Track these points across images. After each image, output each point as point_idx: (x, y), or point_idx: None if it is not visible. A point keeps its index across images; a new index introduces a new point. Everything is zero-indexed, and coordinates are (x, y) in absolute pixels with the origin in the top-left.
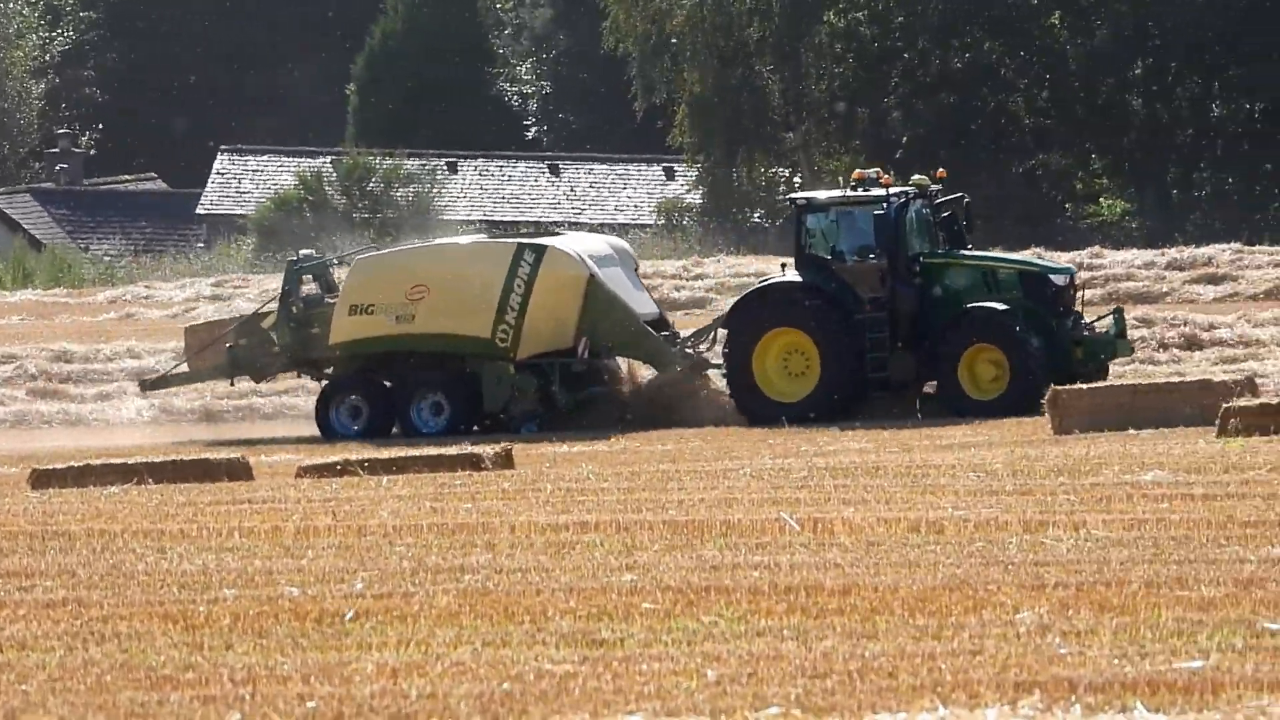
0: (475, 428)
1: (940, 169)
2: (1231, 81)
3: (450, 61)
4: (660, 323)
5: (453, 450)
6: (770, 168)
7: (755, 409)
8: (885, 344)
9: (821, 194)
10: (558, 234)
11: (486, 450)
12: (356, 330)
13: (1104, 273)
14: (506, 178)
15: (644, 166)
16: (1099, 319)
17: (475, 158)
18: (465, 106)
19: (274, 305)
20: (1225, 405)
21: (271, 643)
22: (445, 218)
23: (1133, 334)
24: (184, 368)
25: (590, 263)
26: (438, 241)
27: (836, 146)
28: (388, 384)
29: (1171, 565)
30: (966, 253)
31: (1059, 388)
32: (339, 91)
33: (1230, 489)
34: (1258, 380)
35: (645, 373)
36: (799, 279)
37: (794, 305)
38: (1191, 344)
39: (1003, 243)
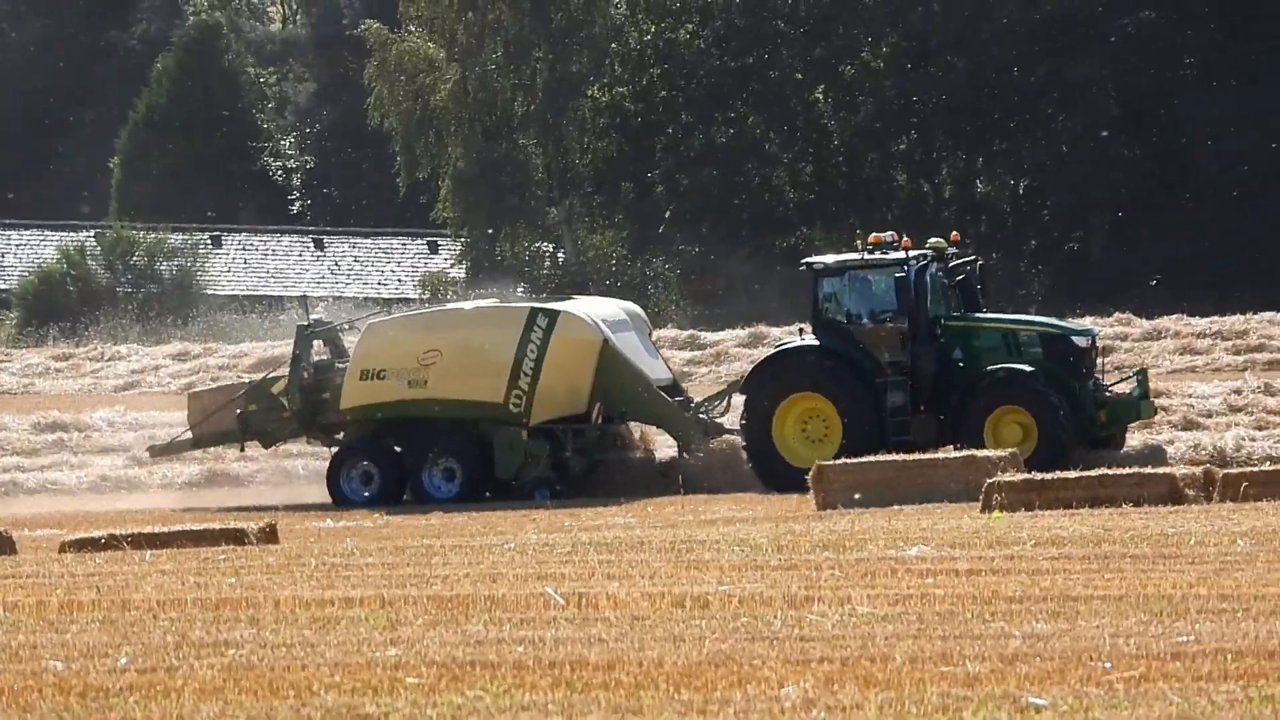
0: (487, 494)
1: (954, 232)
2: (995, 158)
3: (215, 135)
4: (674, 388)
5: (216, 525)
6: (533, 242)
7: (774, 475)
8: (907, 407)
9: (839, 257)
10: (571, 298)
11: (250, 525)
12: (368, 395)
13: None
14: (271, 251)
15: (408, 240)
16: (1120, 381)
17: (239, 231)
18: (230, 180)
19: (284, 370)
20: (989, 480)
21: (35, 717)
22: (210, 292)
23: None
24: (187, 434)
25: (604, 328)
26: (450, 306)
27: (599, 220)
28: (399, 450)
29: (936, 640)
30: (987, 315)
31: (822, 463)
32: (103, 164)
33: (995, 564)
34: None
35: (658, 439)
36: (816, 343)
37: (813, 369)
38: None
39: (768, 318)
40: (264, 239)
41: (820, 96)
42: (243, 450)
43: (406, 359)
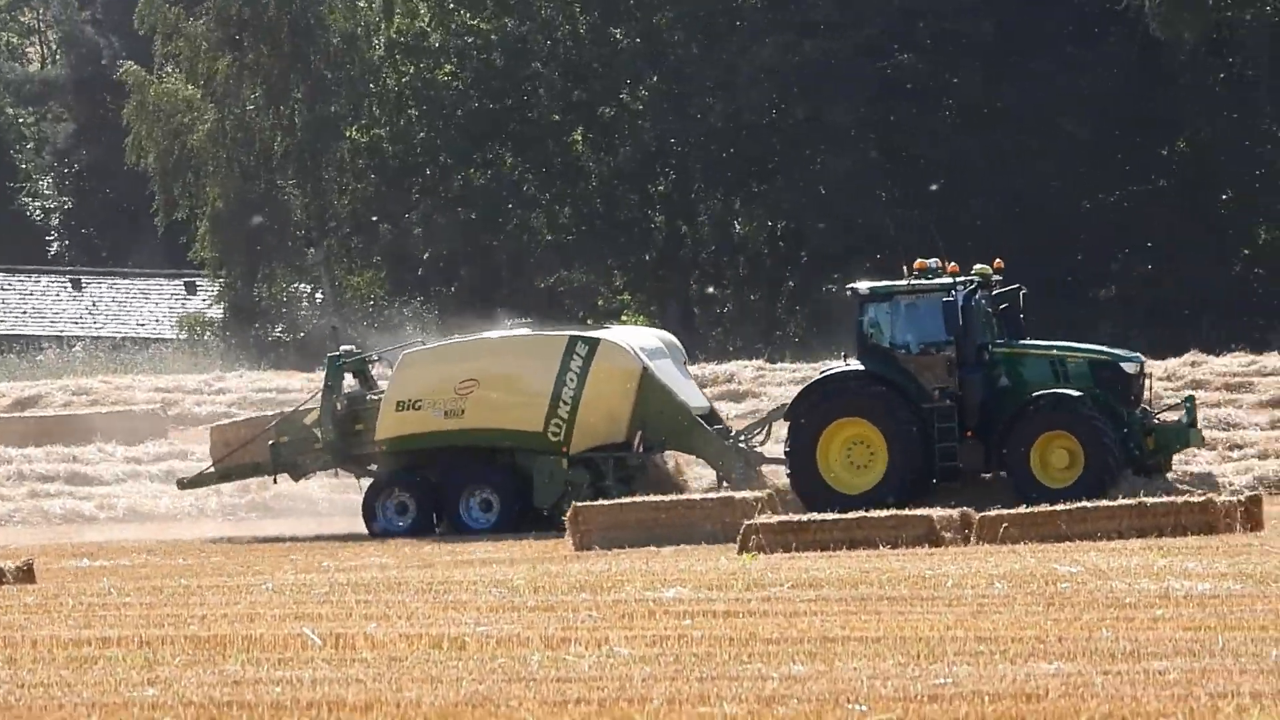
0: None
1: (997, 260)
2: (754, 199)
3: None
4: (711, 416)
5: None
6: (291, 283)
7: (819, 501)
8: (954, 433)
9: (884, 283)
10: (607, 328)
11: (7, 564)
12: (404, 426)
13: None
14: (29, 291)
15: (165, 281)
16: (1168, 408)
17: None
18: None
19: (316, 402)
20: (746, 522)
21: None
22: None
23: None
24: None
25: (643, 356)
26: (487, 335)
27: (357, 262)
28: (435, 480)
29: (694, 682)
30: (1034, 341)
31: (579, 504)
32: None
33: (752, 605)
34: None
35: (693, 468)
36: (862, 368)
37: (859, 396)
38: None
39: None
40: (21, 279)
41: (578, 138)
42: (275, 481)
43: (443, 389)
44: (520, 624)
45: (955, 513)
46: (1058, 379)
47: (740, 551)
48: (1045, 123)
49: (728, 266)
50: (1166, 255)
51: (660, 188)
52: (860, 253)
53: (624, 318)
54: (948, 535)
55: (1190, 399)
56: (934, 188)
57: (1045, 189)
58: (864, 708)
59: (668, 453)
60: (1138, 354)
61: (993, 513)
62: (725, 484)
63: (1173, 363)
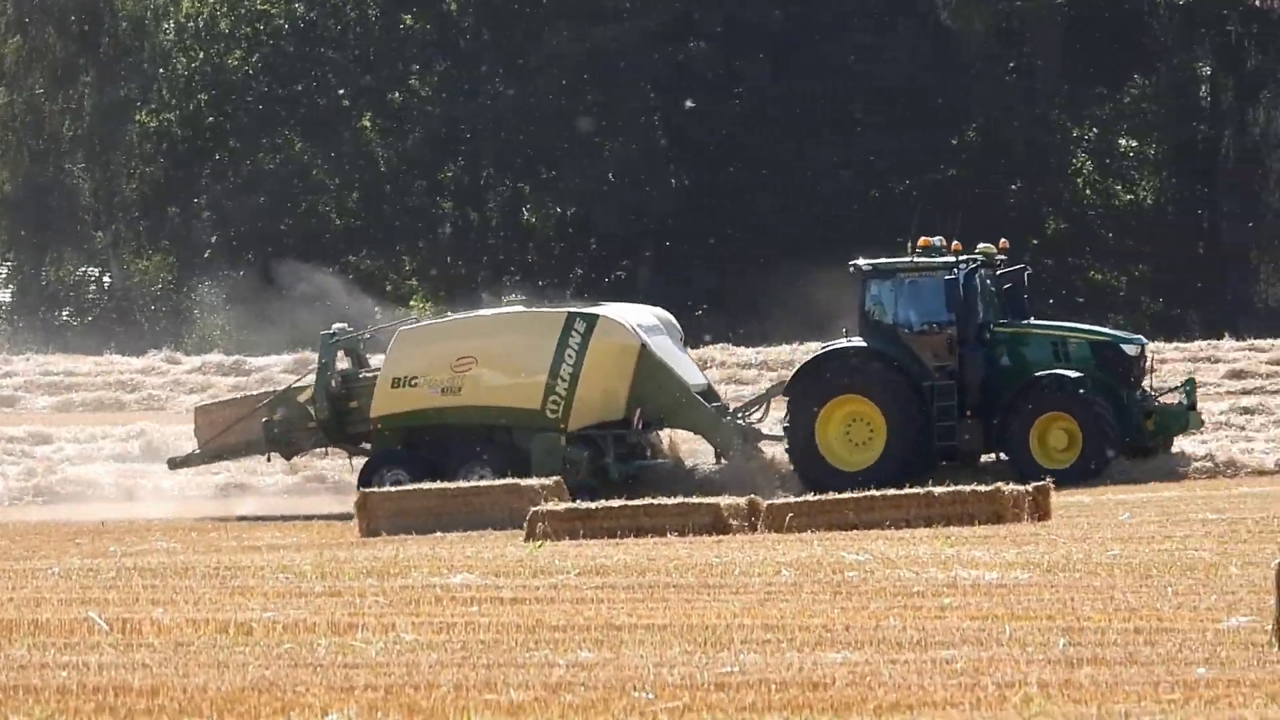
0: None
1: (1003, 240)
2: (543, 186)
3: None
4: (709, 393)
5: None
6: (79, 266)
7: (818, 478)
8: (954, 412)
9: (887, 260)
10: (601, 304)
11: None
12: (399, 403)
13: None
14: None
15: None
16: (1168, 390)
17: None
18: None
19: (309, 379)
20: (534, 509)
21: None
22: None
23: None
24: (209, 444)
25: (641, 332)
26: (484, 312)
27: (145, 246)
28: (431, 457)
29: (480, 669)
30: (1036, 321)
31: (367, 490)
32: None
33: (539, 593)
34: None
35: (688, 444)
36: (864, 344)
37: (859, 372)
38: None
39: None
40: None
41: (368, 123)
42: (268, 460)
43: (440, 366)
44: (307, 610)
45: (743, 500)
46: (1058, 360)
47: (527, 539)
48: (836, 111)
49: (517, 253)
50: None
51: (450, 174)
52: (649, 238)
53: (412, 304)
54: (735, 523)
55: (1190, 381)
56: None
57: (835, 177)
58: (650, 695)
59: (664, 430)
60: (1139, 336)
61: (779, 501)
62: (724, 460)
63: None
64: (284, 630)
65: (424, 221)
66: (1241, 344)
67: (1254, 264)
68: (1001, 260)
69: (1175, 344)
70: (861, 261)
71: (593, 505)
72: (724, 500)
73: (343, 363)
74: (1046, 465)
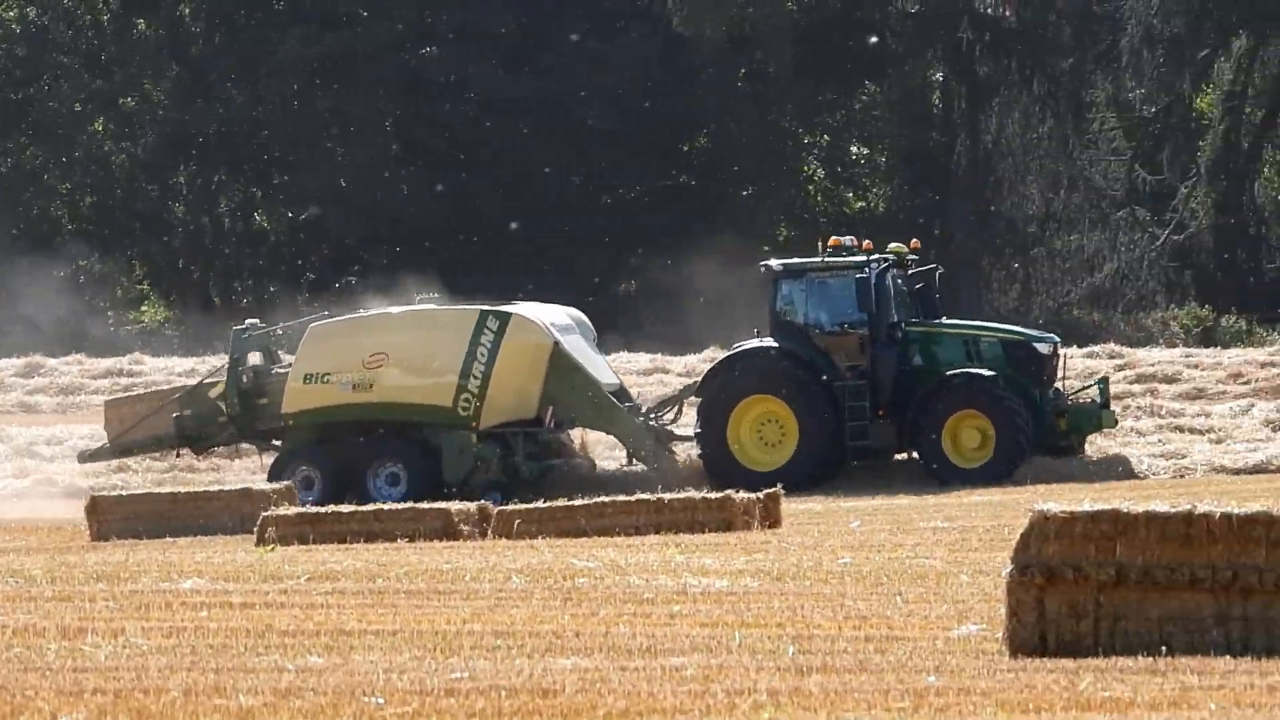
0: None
1: (914, 239)
2: (275, 190)
3: None
4: (622, 393)
5: None
6: None
7: (729, 479)
8: (866, 412)
9: (798, 260)
10: (513, 303)
11: None
12: (311, 399)
13: (143, 379)
14: None
15: None
16: (1082, 389)
17: None
18: None
19: (220, 376)
20: (264, 514)
21: None
22: None
23: None
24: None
25: (554, 331)
26: (397, 309)
27: None
28: (342, 454)
29: (210, 673)
30: (948, 320)
31: (96, 494)
32: None
33: (269, 597)
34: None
35: (601, 446)
36: (774, 344)
37: (770, 372)
38: (232, 452)
39: (43, 347)
40: None
41: (100, 128)
42: (177, 455)
43: (352, 362)
44: (37, 614)
45: (473, 506)
46: (971, 359)
47: (258, 543)
48: (566, 116)
49: (249, 257)
50: (687, 252)
51: (182, 178)
52: (380, 243)
53: (144, 308)
54: (466, 529)
55: (1104, 380)
56: (440, 187)
57: (567, 183)
58: (380, 701)
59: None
60: (1052, 334)
61: (509, 507)
62: (636, 461)
63: (691, 359)
64: (13, 634)
65: (156, 225)
66: None
67: (985, 272)
68: (913, 260)
69: None
70: (773, 262)
71: (323, 510)
72: (454, 506)
73: (254, 359)
74: (960, 464)
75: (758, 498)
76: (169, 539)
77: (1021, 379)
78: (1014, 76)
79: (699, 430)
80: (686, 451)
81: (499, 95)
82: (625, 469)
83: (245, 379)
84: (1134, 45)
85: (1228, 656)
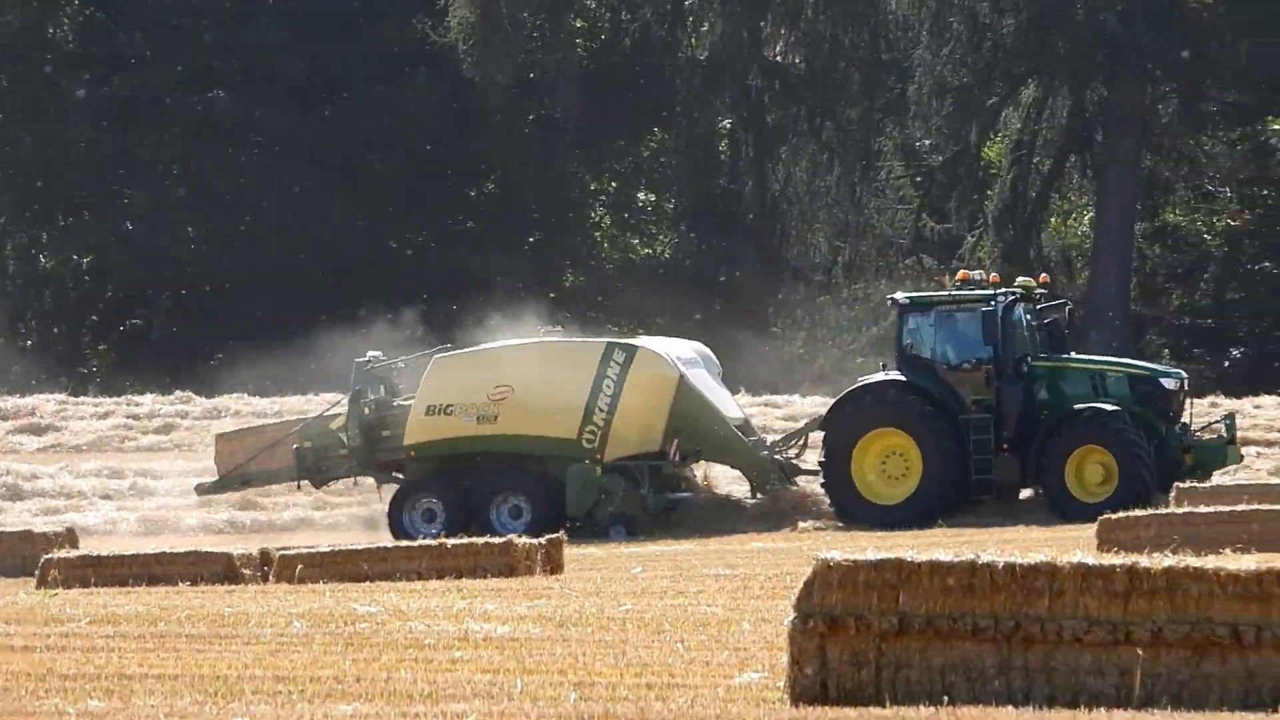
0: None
1: (1044, 274)
2: (61, 233)
3: None
4: (746, 427)
5: None
6: None
7: (853, 512)
8: (990, 446)
9: (926, 294)
10: (640, 336)
11: None
12: (434, 431)
13: None
14: None
15: None
16: (1209, 425)
17: None
18: None
19: (342, 408)
20: (46, 556)
21: None
22: None
23: None
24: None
25: (680, 364)
26: (522, 341)
27: None
28: (465, 486)
29: None
30: (1074, 355)
31: None
32: None
33: (50, 641)
34: (78, 531)
35: (724, 479)
36: (901, 378)
37: (896, 406)
38: (14, 494)
39: None
40: None
41: None
42: (299, 488)
43: (476, 394)
44: None
45: (254, 550)
46: (1097, 394)
47: (39, 586)
48: (353, 161)
49: (34, 300)
50: (475, 298)
51: None
52: (166, 287)
53: None
54: (248, 573)
55: (1230, 416)
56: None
57: (352, 227)
58: None
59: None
60: (1179, 370)
61: (291, 551)
62: (759, 494)
63: None
64: None
65: None
66: (758, 399)
67: (772, 320)
68: (1041, 294)
69: None
70: (899, 295)
71: (105, 554)
72: (236, 549)
73: (376, 391)
74: (1084, 499)
75: (540, 543)
76: None
77: (1147, 414)
78: (802, 124)
79: (823, 462)
80: (810, 485)
81: (285, 139)
82: (750, 502)
83: (367, 410)
84: (922, 94)
85: (1010, 706)
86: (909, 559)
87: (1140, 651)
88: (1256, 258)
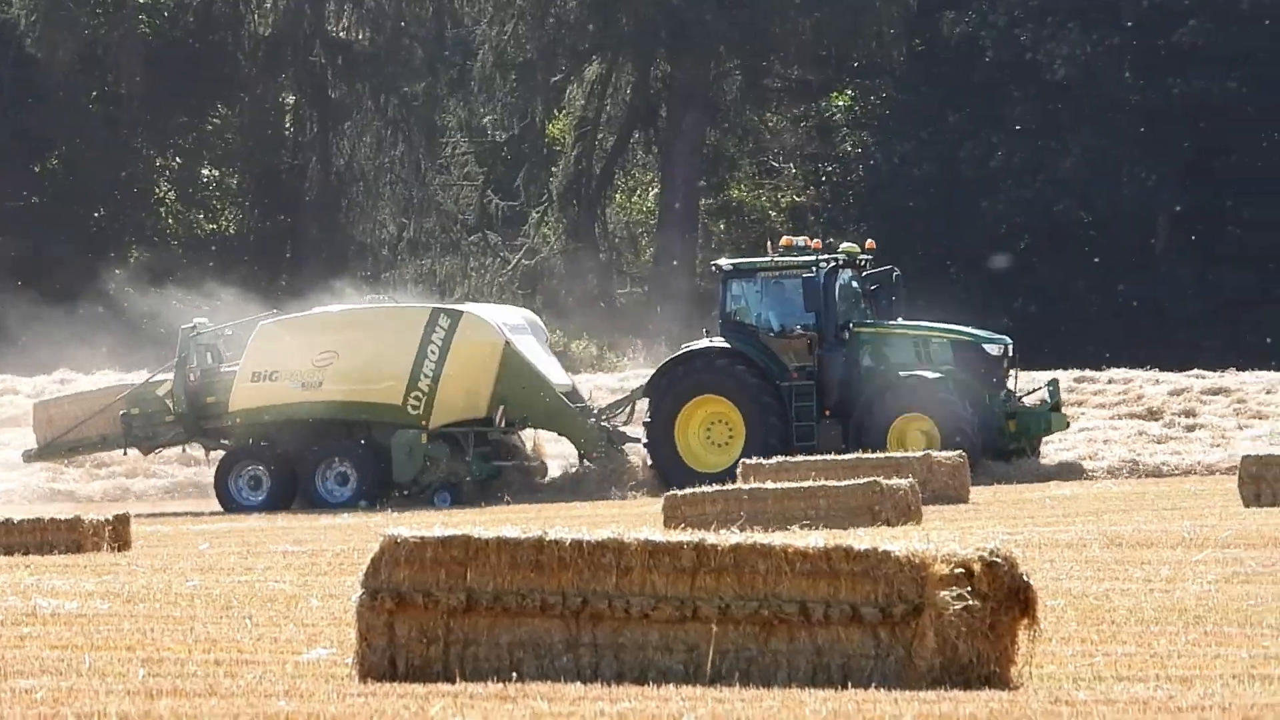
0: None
1: (870, 240)
2: None
3: None
4: (574, 394)
5: None
6: None
7: (677, 479)
8: (812, 412)
9: (748, 260)
10: (465, 303)
11: None
12: (259, 398)
13: None
14: None
15: None
16: (1031, 391)
17: None
18: None
19: (167, 374)
20: None
21: None
22: None
23: None
24: (65, 437)
25: (506, 330)
26: (347, 306)
27: None
28: (291, 453)
29: None
30: (898, 321)
31: None
32: None
33: None
34: None
35: (554, 446)
36: (724, 344)
37: (718, 372)
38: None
39: None
40: None
41: None
42: (125, 454)
43: (300, 360)
44: None
45: None
46: (920, 360)
47: None
48: None
49: None
50: (35, 275)
51: None
52: None
53: None
54: None
55: (1054, 383)
56: None
57: None
58: None
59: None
60: (1004, 336)
61: None
62: (588, 462)
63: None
64: None
65: None
66: None
67: (340, 293)
68: (867, 260)
69: None
70: (723, 261)
71: None
72: None
73: (202, 357)
74: None
75: (107, 519)
76: None
77: (970, 380)
78: (367, 100)
79: (646, 425)
80: (638, 452)
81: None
82: (577, 470)
83: (192, 377)
84: (486, 70)
85: (578, 683)
86: (476, 535)
87: (714, 627)
88: (820, 234)
